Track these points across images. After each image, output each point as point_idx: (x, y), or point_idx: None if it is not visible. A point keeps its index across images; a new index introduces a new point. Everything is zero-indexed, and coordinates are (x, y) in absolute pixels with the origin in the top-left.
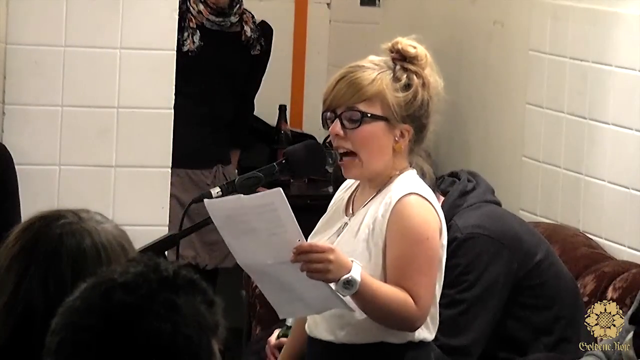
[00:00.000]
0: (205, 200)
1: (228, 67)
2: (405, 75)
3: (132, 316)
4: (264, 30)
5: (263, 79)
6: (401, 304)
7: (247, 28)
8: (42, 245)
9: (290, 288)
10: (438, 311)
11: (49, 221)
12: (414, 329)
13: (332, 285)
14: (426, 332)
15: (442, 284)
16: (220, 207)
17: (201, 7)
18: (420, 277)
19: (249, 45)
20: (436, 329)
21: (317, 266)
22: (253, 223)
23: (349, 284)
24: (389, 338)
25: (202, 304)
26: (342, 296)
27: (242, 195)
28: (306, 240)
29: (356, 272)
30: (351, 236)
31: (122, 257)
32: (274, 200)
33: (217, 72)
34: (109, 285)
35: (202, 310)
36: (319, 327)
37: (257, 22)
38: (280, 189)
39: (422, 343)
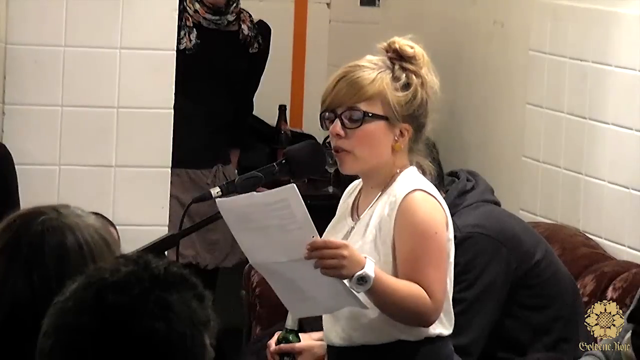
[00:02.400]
0: (217, 199)
1: (226, 66)
2: (404, 75)
3: (126, 316)
4: (262, 29)
5: (263, 78)
6: (416, 298)
7: (244, 27)
8: (24, 242)
9: (303, 287)
10: (451, 305)
11: (30, 218)
12: (429, 323)
13: (346, 282)
14: (441, 327)
15: (452, 278)
16: (232, 205)
17: (197, 6)
18: (432, 271)
19: (247, 43)
20: (452, 323)
21: (331, 262)
22: (266, 220)
23: (363, 280)
24: (404, 336)
25: (194, 299)
26: (356, 292)
27: (254, 192)
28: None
29: (370, 268)
30: (359, 238)
31: (105, 250)
32: (288, 197)
33: (214, 71)
34: (100, 286)
35: (194, 306)
36: (332, 333)
37: (255, 21)
38: (294, 185)
39: (438, 338)
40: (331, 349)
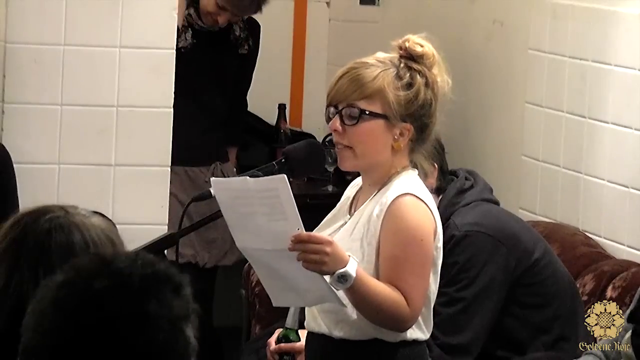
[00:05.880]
0: (212, 178)
1: (218, 65)
2: (408, 74)
3: (104, 337)
4: (252, 28)
5: (262, 77)
6: (394, 303)
7: (235, 27)
8: (31, 239)
9: (285, 277)
10: (431, 312)
11: (37, 216)
12: (404, 329)
13: (327, 278)
14: (419, 332)
15: (437, 285)
16: (226, 186)
17: (192, 10)
18: (413, 279)
19: (237, 44)
20: (430, 330)
21: (313, 257)
22: (255, 207)
23: (343, 278)
24: (382, 336)
25: (171, 294)
26: (335, 290)
27: (248, 177)
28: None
29: (352, 267)
30: (347, 235)
31: (111, 249)
32: (278, 186)
33: (207, 69)
34: (76, 305)
35: (173, 304)
36: (318, 320)
37: (245, 18)
38: (285, 175)
39: (415, 342)
40: (312, 336)
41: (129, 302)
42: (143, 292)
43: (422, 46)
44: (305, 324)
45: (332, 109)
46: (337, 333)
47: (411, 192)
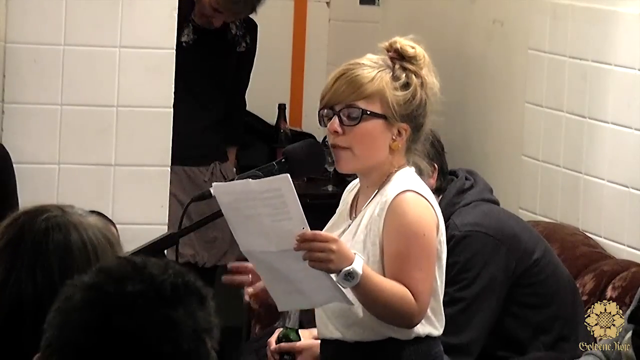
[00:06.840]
0: (214, 183)
1: (215, 64)
2: (404, 75)
3: (134, 340)
4: (249, 26)
5: (262, 77)
6: (401, 299)
7: (232, 26)
8: (28, 239)
9: (290, 278)
10: (441, 306)
11: (34, 215)
12: (412, 325)
13: (333, 276)
14: (431, 327)
15: (443, 279)
16: (227, 190)
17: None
18: (418, 273)
19: (235, 42)
20: (442, 324)
21: (319, 255)
22: (259, 208)
23: (350, 275)
24: (396, 334)
25: (197, 306)
26: (342, 288)
27: (250, 179)
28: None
29: (358, 265)
30: (350, 238)
31: (108, 249)
32: (281, 186)
33: (206, 68)
34: (106, 304)
35: (198, 315)
36: (329, 327)
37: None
38: (288, 175)
39: (428, 337)
40: (325, 343)
41: (160, 307)
42: (173, 300)
43: (413, 48)
44: (317, 332)
45: (327, 111)
46: (351, 336)
47: (411, 188)
